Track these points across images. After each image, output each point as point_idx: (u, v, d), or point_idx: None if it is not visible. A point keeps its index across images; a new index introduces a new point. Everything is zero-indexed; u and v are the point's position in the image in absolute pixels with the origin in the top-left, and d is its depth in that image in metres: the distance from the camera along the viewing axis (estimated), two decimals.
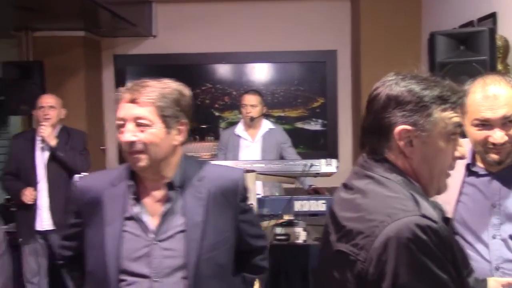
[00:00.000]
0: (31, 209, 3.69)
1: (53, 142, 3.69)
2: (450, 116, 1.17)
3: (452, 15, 4.21)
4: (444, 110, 1.16)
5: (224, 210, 1.63)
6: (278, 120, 5.66)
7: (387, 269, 1.02)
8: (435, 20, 4.70)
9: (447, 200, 1.54)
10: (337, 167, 3.26)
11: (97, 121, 5.80)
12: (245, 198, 1.72)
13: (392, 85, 1.19)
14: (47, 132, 3.68)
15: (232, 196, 1.65)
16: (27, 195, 3.67)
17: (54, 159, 3.72)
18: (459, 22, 3.95)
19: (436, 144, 1.16)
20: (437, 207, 1.16)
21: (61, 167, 3.69)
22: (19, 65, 4.90)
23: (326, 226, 1.27)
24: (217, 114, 5.96)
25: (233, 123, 5.18)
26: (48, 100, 3.80)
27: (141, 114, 1.51)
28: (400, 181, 1.15)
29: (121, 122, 1.53)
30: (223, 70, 6.02)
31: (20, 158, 3.79)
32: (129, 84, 1.57)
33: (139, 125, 1.51)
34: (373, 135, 1.21)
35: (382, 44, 5.15)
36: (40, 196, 3.72)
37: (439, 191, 1.22)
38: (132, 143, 1.51)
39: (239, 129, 4.05)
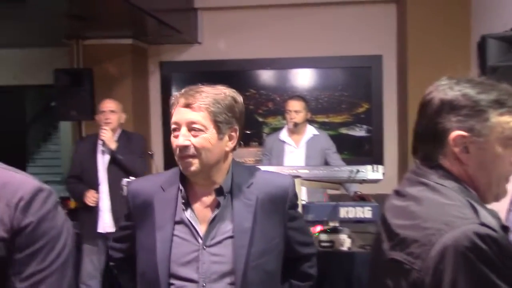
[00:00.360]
0: (94, 211, 3.79)
1: (113, 145, 3.79)
2: (508, 120, 1.13)
3: (504, 18, 4.09)
4: (502, 114, 1.12)
5: (272, 217, 1.63)
6: (322, 126, 5.62)
7: (445, 279, 0.99)
8: (486, 23, 4.57)
9: (499, 209, 1.49)
10: (384, 173, 3.21)
11: (144, 126, 5.92)
12: (294, 205, 1.71)
13: (446, 89, 1.16)
14: (108, 136, 3.78)
15: (281, 203, 1.65)
16: (89, 197, 3.77)
17: (114, 162, 3.82)
18: (511, 25, 3.83)
19: (493, 149, 1.13)
20: (495, 215, 1.12)
21: (121, 170, 3.77)
22: (70, 72, 5.06)
23: (377, 233, 1.24)
24: (260, 119, 5.98)
25: (277, 129, 5.18)
26: (109, 105, 3.89)
27: (194, 119, 1.52)
28: (456, 188, 1.12)
29: (175, 126, 1.55)
30: (267, 76, 6.04)
31: (83, 162, 3.91)
32: (183, 89, 1.59)
33: (192, 129, 1.52)
34: (427, 141, 1.18)
35: (430, 48, 5.04)
36: (102, 198, 3.82)
37: (498, 198, 1.18)
38: (185, 147, 1.52)
39: (284, 134, 4.04)
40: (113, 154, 3.80)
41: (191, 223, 1.58)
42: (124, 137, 3.92)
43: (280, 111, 5.81)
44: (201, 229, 1.58)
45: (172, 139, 1.55)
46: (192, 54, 6.03)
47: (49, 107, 10.42)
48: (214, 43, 5.95)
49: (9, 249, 1.12)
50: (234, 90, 1.62)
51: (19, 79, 6.71)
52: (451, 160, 1.15)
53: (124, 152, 3.82)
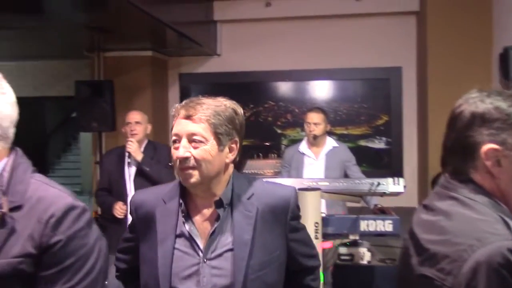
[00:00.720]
0: (122, 222, 3.80)
1: (139, 157, 3.80)
2: None
3: None
4: None
5: (273, 228, 1.61)
6: (341, 138, 5.59)
7: None
8: (508, 34, 4.51)
9: None
10: (405, 186, 3.17)
11: (163, 138, 5.95)
12: (296, 216, 1.69)
13: (476, 102, 1.14)
14: (134, 148, 3.80)
15: (282, 214, 1.63)
16: (117, 209, 3.78)
17: (140, 173, 3.83)
18: None
19: None
20: None
21: (147, 181, 3.78)
22: (91, 84, 5.12)
23: (405, 247, 1.22)
24: (279, 131, 5.97)
25: (295, 141, 5.17)
26: (134, 116, 3.91)
27: (195, 131, 1.52)
28: (487, 203, 1.09)
29: (176, 138, 1.55)
30: (286, 88, 6.04)
31: (111, 174, 3.93)
32: (184, 101, 1.59)
33: (193, 141, 1.52)
34: (457, 155, 1.16)
35: (450, 59, 5.01)
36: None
37: None
38: (185, 159, 1.52)
39: (303, 146, 4.02)
40: (139, 165, 3.82)
41: (191, 236, 1.57)
42: (150, 148, 3.94)
43: (299, 123, 5.80)
44: (202, 242, 1.57)
45: (173, 150, 1.55)
46: (211, 66, 6.07)
47: (69, 119, 10.55)
48: (233, 55, 5.98)
49: (37, 265, 1.11)
50: (234, 102, 1.62)
51: (40, 91, 6.81)
52: (482, 174, 1.13)
53: (150, 163, 3.83)
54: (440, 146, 1.23)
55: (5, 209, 1.11)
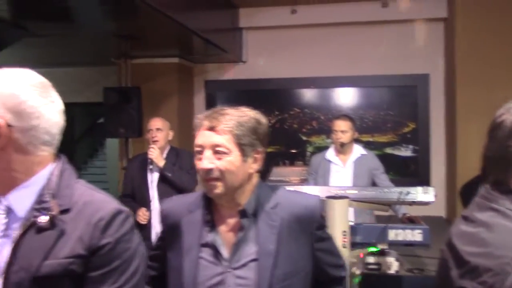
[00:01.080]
0: (146, 228, 3.83)
1: (161, 163, 3.85)
2: None
3: None
4: None
5: (298, 238, 1.60)
6: (367, 145, 5.53)
7: None
8: None
9: None
10: (435, 195, 3.12)
11: (188, 144, 5.97)
12: (322, 226, 1.67)
13: None
14: (155, 154, 3.84)
15: (307, 223, 1.61)
16: (141, 215, 3.83)
17: (163, 179, 3.87)
18: None
19: None
20: None
21: (170, 187, 3.82)
22: (119, 91, 5.18)
23: (444, 259, 1.19)
24: (304, 138, 5.95)
25: (321, 148, 5.14)
26: (155, 123, 3.96)
27: (218, 142, 1.52)
28: None
29: (199, 149, 1.55)
30: (311, 95, 6.02)
31: (134, 180, 3.98)
32: (207, 111, 1.59)
33: (216, 152, 1.52)
34: (498, 165, 1.13)
35: (479, 66, 4.93)
36: (153, 215, 3.87)
37: None
38: (209, 170, 1.52)
39: (330, 154, 3.99)
40: (161, 171, 3.85)
41: (216, 246, 1.57)
42: (173, 154, 3.97)
43: (324, 130, 5.78)
44: (226, 251, 1.57)
45: (196, 162, 1.55)
46: (236, 72, 6.09)
47: (96, 124, 10.69)
48: (259, 62, 6.00)
49: (86, 266, 1.16)
50: (258, 112, 1.62)
51: (69, 97, 6.90)
52: None
53: (173, 169, 3.86)
54: (468, 154, 1.22)
55: (55, 212, 1.17)
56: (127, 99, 4.97)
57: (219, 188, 1.53)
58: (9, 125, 1.16)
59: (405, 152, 5.81)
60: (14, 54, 5.50)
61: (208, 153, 1.53)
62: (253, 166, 1.58)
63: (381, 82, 5.85)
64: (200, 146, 1.55)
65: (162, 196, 3.81)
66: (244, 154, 1.54)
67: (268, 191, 1.64)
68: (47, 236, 1.15)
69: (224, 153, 1.52)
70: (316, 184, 3.85)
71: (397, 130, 5.82)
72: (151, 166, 3.91)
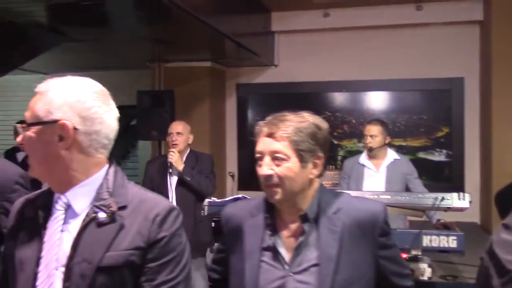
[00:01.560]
0: None
1: (180, 167, 3.89)
2: None
3: None
4: None
5: (361, 244, 1.58)
6: (399, 150, 5.47)
7: None
8: None
9: None
10: (470, 202, 3.07)
11: (219, 146, 6.03)
12: (385, 233, 1.65)
13: None
14: (175, 158, 3.89)
15: (370, 229, 1.60)
16: None
17: (182, 183, 3.91)
18: None
19: None
20: None
21: (188, 190, 3.86)
22: (152, 94, 5.26)
23: (485, 268, 1.18)
24: (336, 142, 5.92)
25: (352, 152, 5.12)
26: (176, 127, 4.02)
27: (277, 149, 1.54)
28: None
29: (259, 155, 1.57)
30: (343, 98, 6.00)
31: (153, 182, 4.03)
32: (268, 117, 1.61)
33: (275, 159, 1.54)
34: None
35: None
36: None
37: None
38: (268, 177, 1.54)
39: (363, 158, 3.97)
40: (180, 175, 3.89)
41: (277, 249, 1.58)
42: (192, 158, 4.01)
43: (356, 134, 5.75)
44: (287, 255, 1.58)
45: (257, 168, 1.57)
46: (268, 76, 6.11)
47: (128, 127, 10.86)
48: (290, 65, 6.00)
49: (144, 258, 1.26)
50: (318, 117, 1.62)
51: None
52: None
53: (192, 173, 3.89)
54: (504, 160, 1.20)
55: (114, 208, 1.27)
56: (160, 102, 5.04)
57: (278, 194, 1.55)
58: (75, 128, 1.26)
59: (439, 156, 5.72)
60: (53, 59, 5.65)
61: (267, 159, 1.55)
62: (313, 171, 1.59)
63: (414, 86, 5.78)
64: (260, 152, 1.57)
65: (180, 199, 3.86)
66: (302, 160, 1.55)
67: (330, 196, 1.64)
68: (108, 230, 1.25)
69: (283, 159, 1.53)
70: (348, 188, 3.83)
71: (430, 135, 5.74)
72: (170, 170, 3.95)
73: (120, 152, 12.49)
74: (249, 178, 5.36)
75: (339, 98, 5.99)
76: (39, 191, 1.40)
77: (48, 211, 1.30)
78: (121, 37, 4.83)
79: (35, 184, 1.77)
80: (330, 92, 5.97)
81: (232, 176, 3.93)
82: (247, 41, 5.07)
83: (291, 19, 5.80)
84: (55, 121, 1.25)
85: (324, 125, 1.62)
